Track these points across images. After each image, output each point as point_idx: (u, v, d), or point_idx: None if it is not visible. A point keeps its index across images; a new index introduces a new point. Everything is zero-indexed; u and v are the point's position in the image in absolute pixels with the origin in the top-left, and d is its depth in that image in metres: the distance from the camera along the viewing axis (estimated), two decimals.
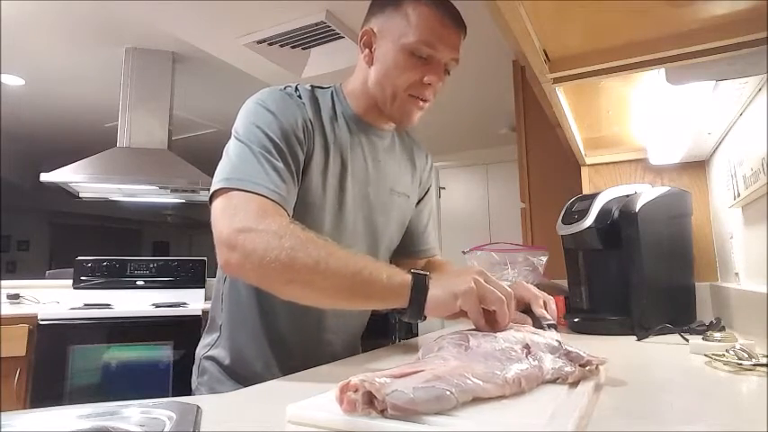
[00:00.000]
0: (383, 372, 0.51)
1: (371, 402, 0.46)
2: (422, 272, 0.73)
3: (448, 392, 0.48)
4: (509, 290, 0.72)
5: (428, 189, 1.15)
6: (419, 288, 0.71)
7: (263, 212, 0.74)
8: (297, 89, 0.91)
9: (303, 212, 0.85)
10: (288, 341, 0.93)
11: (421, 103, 0.91)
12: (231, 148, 0.82)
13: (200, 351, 0.98)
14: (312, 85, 0.95)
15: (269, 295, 0.80)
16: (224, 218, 0.74)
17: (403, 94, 0.89)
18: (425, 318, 0.72)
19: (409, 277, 0.72)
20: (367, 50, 0.92)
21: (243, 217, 0.73)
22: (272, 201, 0.76)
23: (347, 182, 0.92)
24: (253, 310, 0.92)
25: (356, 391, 0.47)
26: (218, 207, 0.76)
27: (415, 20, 0.86)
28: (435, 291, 0.71)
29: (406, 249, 1.10)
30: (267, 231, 0.71)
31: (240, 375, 0.90)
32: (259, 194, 0.75)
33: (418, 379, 0.49)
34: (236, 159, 0.79)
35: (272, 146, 0.80)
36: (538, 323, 0.82)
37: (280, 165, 0.79)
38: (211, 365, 0.94)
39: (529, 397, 0.54)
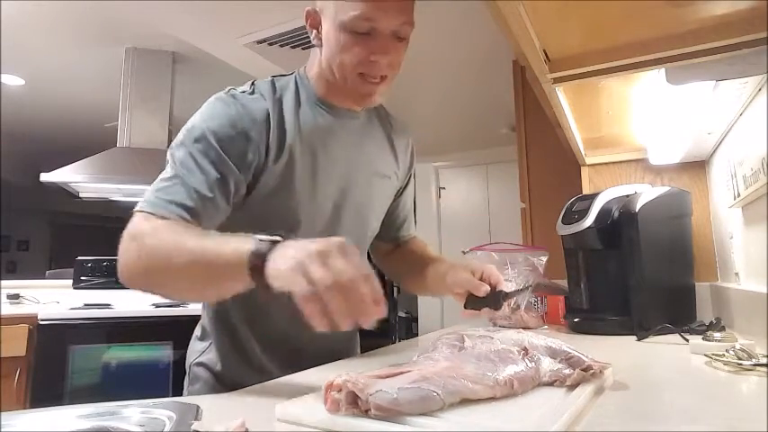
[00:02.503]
0: (370, 372, 0.51)
1: (356, 402, 0.46)
2: (268, 238, 0.62)
3: (434, 393, 0.48)
4: (350, 271, 0.56)
5: (409, 174, 1.11)
6: (255, 261, 0.61)
7: (139, 225, 0.72)
8: (252, 84, 0.86)
9: (272, 213, 0.83)
10: (278, 341, 0.90)
11: (374, 82, 0.84)
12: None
13: (189, 358, 0.95)
14: (273, 76, 0.90)
15: (254, 297, 0.74)
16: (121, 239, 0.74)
17: (352, 74, 0.82)
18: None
19: (246, 253, 0.62)
20: (314, 31, 0.86)
21: (123, 235, 0.72)
22: (163, 218, 0.72)
23: (319, 171, 0.87)
24: (238, 313, 0.89)
25: (339, 390, 0.47)
26: None
27: None
28: (274, 261, 0.60)
29: (388, 234, 1.09)
30: (135, 239, 0.70)
31: (232, 381, 0.85)
32: (153, 214, 0.72)
33: (404, 380, 0.50)
34: (154, 182, 0.77)
35: (193, 163, 0.76)
36: (493, 303, 0.83)
37: (192, 182, 0.75)
38: (203, 372, 0.91)
39: (521, 399, 0.54)
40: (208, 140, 0.78)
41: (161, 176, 0.77)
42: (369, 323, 0.56)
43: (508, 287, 0.90)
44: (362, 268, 0.57)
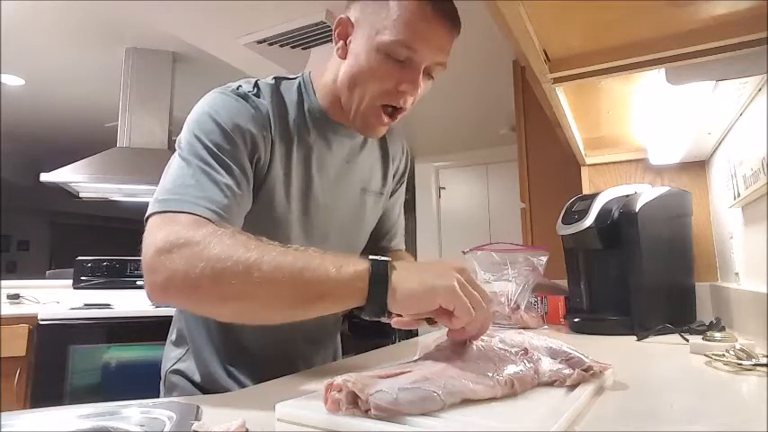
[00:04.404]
0: (370, 372, 0.51)
1: (356, 402, 0.46)
2: (382, 258, 0.61)
3: (434, 393, 0.48)
4: (489, 295, 0.64)
5: (401, 180, 1.07)
6: (378, 278, 0.59)
7: (188, 228, 0.63)
8: (256, 85, 0.81)
9: (267, 224, 0.78)
10: (253, 352, 0.86)
11: (388, 117, 0.80)
12: (171, 165, 0.72)
13: (165, 365, 0.90)
14: (276, 78, 0.84)
15: None
16: (146, 241, 0.64)
17: (371, 102, 0.78)
18: (390, 315, 0.62)
19: (366, 266, 0.60)
20: (341, 42, 0.80)
21: (164, 236, 0.62)
22: (204, 218, 0.65)
23: (314, 185, 0.84)
24: (212, 321, 0.85)
25: (340, 390, 0.47)
26: (145, 233, 0.65)
27: (396, 13, 0.73)
28: (407, 282, 0.59)
29: (374, 244, 1.03)
30: (189, 245, 0.60)
31: (211, 391, 0.83)
32: (189, 213, 0.64)
33: (405, 380, 0.50)
34: (171, 179, 0.69)
35: (211, 157, 0.70)
36: None
37: (220, 177, 0.69)
38: (179, 380, 0.87)
39: (521, 399, 0.54)
40: (226, 133, 0.72)
41: (176, 172, 0.69)
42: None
43: (508, 287, 0.90)
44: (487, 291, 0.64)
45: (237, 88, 0.79)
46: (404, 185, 1.10)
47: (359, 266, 0.60)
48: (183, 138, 0.74)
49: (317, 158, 0.84)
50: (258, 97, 0.79)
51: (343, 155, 0.89)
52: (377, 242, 1.05)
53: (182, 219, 0.64)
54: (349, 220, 0.93)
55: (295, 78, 0.87)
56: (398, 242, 1.10)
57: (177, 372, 0.88)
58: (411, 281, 0.60)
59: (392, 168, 1.02)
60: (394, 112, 0.80)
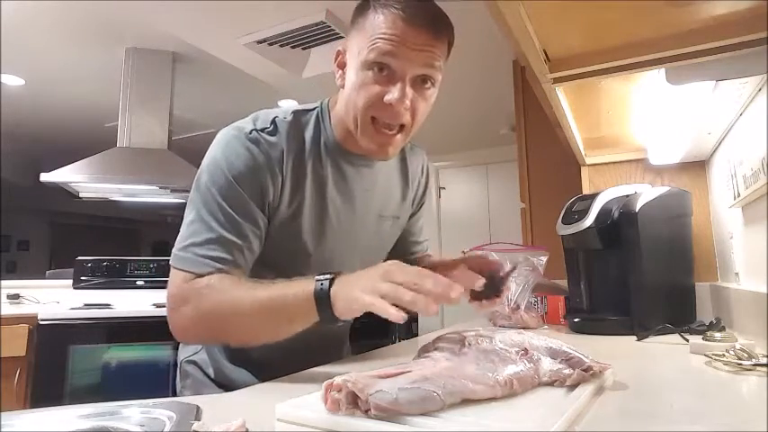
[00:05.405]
0: (370, 372, 0.51)
1: (356, 402, 0.46)
2: (325, 276, 0.68)
3: (434, 393, 0.48)
4: (426, 271, 0.64)
5: (423, 197, 1.09)
6: (321, 294, 0.66)
7: (189, 285, 0.74)
8: (273, 122, 0.82)
9: (283, 257, 0.84)
10: (258, 359, 0.89)
11: (389, 132, 0.78)
12: (187, 212, 0.79)
13: (181, 355, 0.98)
14: (296, 111, 0.85)
15: None
16: (167, 291, 0.77)
17: (364, 117, 0.77)
18: (344, 319, 0.68)
19: (312, 287, 0.67)
20: (340, 72, 0.83)
21: (172, 294, 0.75)
22: (206, 274, 0.75)
23: (329, 216, 0.86)
24: None
25: (339, 390, 0.47)
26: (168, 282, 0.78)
27: (373, 28, 0.74)
28: (341, 294, 0.66)
29: (402, 257, 1.02)
30: (188, 301, 0.73)
31: (223, 386, 0.89)
32: (193, 272, 0.74)
33: (404, 380, 0.50)
34: (187, 231, 0.77)
35: (222, 214, 0.76)
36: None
37: (228, 236, 0.76)
38: (194, 369, 0.94)
39: (521, 399, 0.54)
40: (234, 187, 0.77)
41: (190, 227, 0.77)
42: (455, 301, 0.62)
43: (508, 288, 0.90)
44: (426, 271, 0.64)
45: (250, 132, 0.80)
46: (424, 206, 1.12)
47: (308, 288, 0.68)
48: (202, 183, 0.79)
49: (333, 190, 0.86)
50: (273, 135, 0.81)
51: (360, 183, 0.89)
52: (405, 255, 1.08)
53: (187, 277, 0.75)
54: (368, 246, 0.94)
55: (314, 109, 0.88)
56: (423, 251, 1.16)
57: (192, 362, 0.94)
58: (345, 293, 0.65)
59: (411, 191, 1.03)
60: (398, 129, 0.79)
